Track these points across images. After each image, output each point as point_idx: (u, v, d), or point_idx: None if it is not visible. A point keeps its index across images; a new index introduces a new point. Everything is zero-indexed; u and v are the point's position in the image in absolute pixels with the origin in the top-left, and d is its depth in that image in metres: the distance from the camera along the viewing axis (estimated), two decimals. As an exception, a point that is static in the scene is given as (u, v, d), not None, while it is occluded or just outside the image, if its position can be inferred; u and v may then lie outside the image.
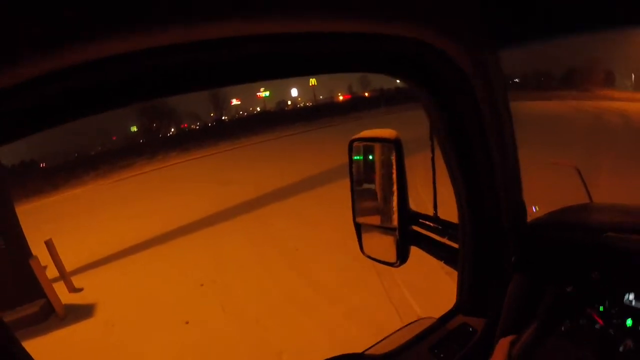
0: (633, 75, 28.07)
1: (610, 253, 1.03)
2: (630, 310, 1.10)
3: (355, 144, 1.17)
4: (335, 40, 0.63)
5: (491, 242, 1.01)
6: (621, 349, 1.09)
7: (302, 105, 55.76)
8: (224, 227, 8.35)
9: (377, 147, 1.13)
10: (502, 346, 0.83)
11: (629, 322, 1.08)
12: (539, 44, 0.99)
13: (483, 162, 0.91)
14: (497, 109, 0.89)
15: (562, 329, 1.14)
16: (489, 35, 0.84)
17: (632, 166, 6.76)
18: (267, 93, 54.19)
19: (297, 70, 0.69)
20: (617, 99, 19.01)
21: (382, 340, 1.11)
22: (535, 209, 1.10)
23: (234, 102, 54.91)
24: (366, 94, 52.58)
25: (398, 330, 1.14)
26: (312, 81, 51.93)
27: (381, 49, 0.72)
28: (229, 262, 6.37)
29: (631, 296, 1.08)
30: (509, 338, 0.85)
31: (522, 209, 1.03)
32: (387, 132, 1.12)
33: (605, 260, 1.04)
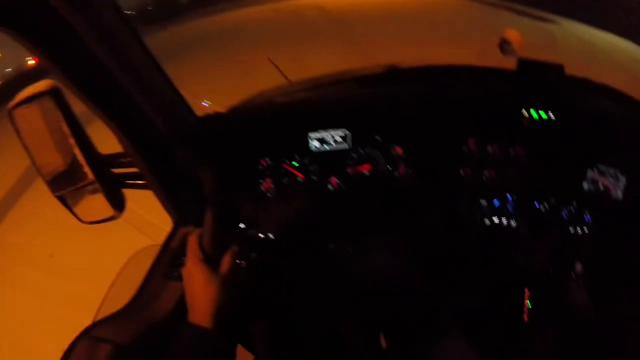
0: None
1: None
2: (319, 156, 1.29)
3: (15, 111, 0.97)
4: None
5: (163, 152, 1.01)
6: (330, 187, 1.31)
7: None
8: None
9: (37, 106, 0.97)
10: (192, 242, 0.86)
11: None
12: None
13: (116, 89, 0.89)
14: (117, 38, 0.85)
15: (269, 196, 1.29)
16: None
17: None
18: None
19: None
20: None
21: (108, 295, 1.07)
22: (207, 104, 1.18)
23: None
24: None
25: (122, 270, 1.12)
26: None
27: None
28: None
29: (315, 143, 1.27)
30: (195, 233, 0.87)
31: (184, 109, 1.07)
32: (41, 85, 0.95)
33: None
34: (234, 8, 15.71)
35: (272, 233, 1.20)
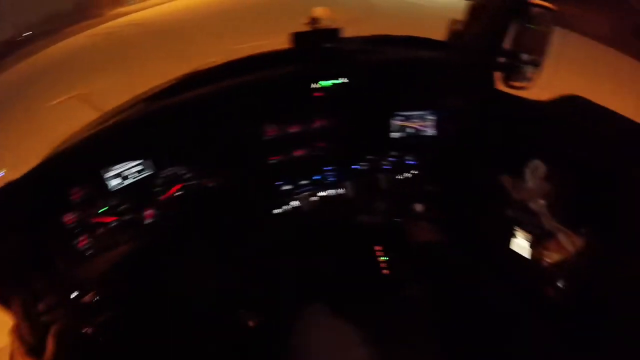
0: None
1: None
2: (125, 192, 1.18)
3: None
4: None
5: None
6: (148, 220, 1.21)
7: None
8: None
9: None
10: (13, 337, 0.79)
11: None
12: None
13: None
14: None
15: (91, 252, 1.14)
16: None
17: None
18: None
19: None
20: (129, 12, 19.69)
21: None
22: (3, 172, 1.05)
23: None
24: None
25: None
26: None
27: None
28: None
29: (114, 180, 1.15)
30: (13, 326, 0.80)
31: None
32: None
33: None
34: (42, 48, 13.88)
35: (107, 289, 1.09)
